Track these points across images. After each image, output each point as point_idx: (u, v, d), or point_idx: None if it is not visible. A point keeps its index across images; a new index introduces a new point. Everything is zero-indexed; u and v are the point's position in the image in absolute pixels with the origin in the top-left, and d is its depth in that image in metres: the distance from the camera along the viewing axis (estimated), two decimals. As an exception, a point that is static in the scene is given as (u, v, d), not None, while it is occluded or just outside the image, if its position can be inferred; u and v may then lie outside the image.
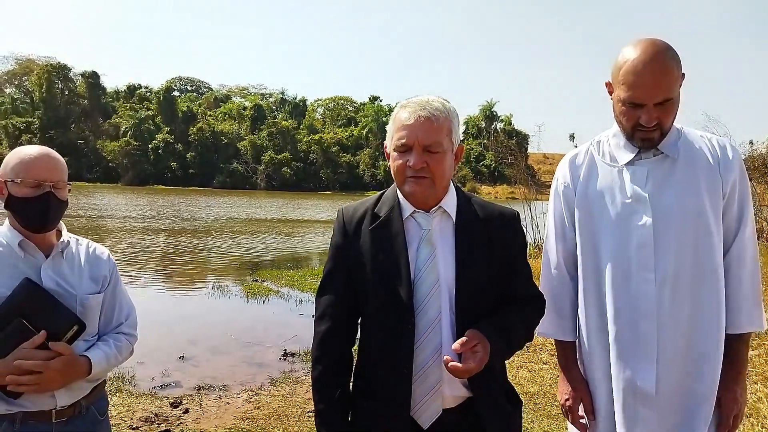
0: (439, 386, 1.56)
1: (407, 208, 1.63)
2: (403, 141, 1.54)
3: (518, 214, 1.75)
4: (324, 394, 1.66)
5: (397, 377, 1.56)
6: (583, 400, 1.83)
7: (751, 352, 5.24)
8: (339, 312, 1.67)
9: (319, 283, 1.75)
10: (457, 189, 1.69)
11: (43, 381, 1.62)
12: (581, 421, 1.84)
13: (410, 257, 1.58)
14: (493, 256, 1.62)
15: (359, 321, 1.71)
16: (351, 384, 1.73)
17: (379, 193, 1.74)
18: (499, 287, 1.64)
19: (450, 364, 1.45)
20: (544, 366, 5.27)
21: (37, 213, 1.70)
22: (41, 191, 1.69)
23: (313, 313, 1.76)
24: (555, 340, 1.93)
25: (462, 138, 1.69)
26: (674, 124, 1.71)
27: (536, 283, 1.79)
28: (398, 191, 1.66)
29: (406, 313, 1.55)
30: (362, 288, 1.63)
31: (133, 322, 1.96)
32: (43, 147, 1.77)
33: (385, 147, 1.66)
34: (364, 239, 1.64)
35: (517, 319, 1.63)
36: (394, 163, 1.59)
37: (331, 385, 1.66)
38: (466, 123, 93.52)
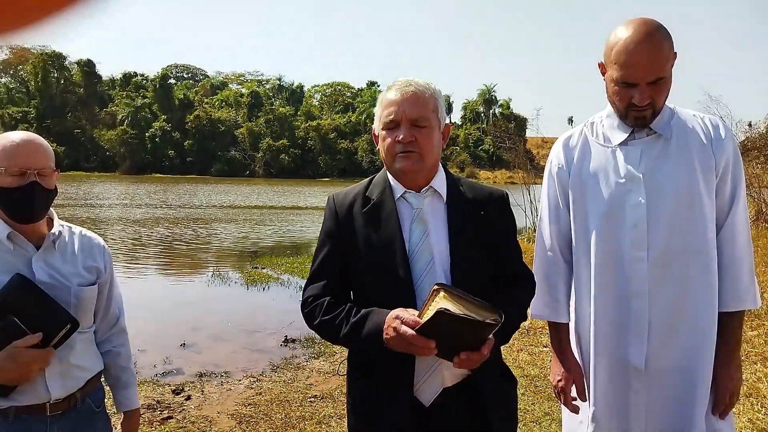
0: (439, 363, 1.57)
1: (398, 189, 1.65)
2: (391, 117, 1.57)
3: (507, 195, 1.76)
4: (333, 312, 1.59)
5: (400, 354, 1.55)
6: (576, 381, 1.85)
7: (750, 333, 5.26)
8: (330, 295, 1.64)
9: (310, 270, 1.72)
10: (446, 171, 1.71)
11: None
12: (573, 402, 1.86)
13: (404, 236, 1.60)
14: (484, 235, 1.64)
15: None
16: (348, 362, 1.73)
17: (369, 177, 1.75)
18: (491, 266, 1.65)
19: (458, 360, 1.43)
20: (545, 349, 5.29)
21: (22, 204, 1.62)
22: (25, 181, 1.60)
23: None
24: (549, 322, 1.95)
25: (452, 121, 1.72)
26: (667, 103, 1.72)
27: (529, 265, 1.79)
28: (388, 174, 1.68)
29: (406, 291, 1.56)
30: (358, 270, 1.63)
31: (123, 321, 1.97)
32: (26, 133, 1.67)
33: (374, 131, 1.68)
34: (357, 222, 1.65)
35: (510, 302, 1.64)
36: (383, 142, 1.61)
37: (336, 305, 1.61)
38: (465, 107, 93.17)
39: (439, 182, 1.66)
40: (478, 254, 1.62)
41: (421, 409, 1.59)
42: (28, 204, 1.63)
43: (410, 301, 1.56)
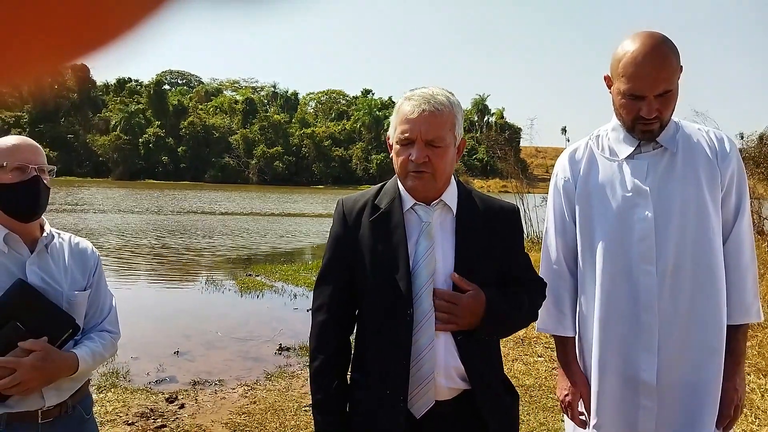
0: (432, 376, 1.56)
1: (408, 200, 1.63)
2: (406, 135, 1.53)
3: (518, 208, 1.76)
4: (322, 385, 1.66)
5: (393, 366, 1.56)
6: (583, 395, 1.83)
7: (743, 344, 5.29)
8: (337, 302, 1.66)
9: (317, 273, 1.74)
10: (458, 183, 1.69)
11: (23, 380, 1.55)
12: (581, 417, 1.84)
13: (409, 249, 1.59)
14: (493, 250, 1.63)
15: (356, 312, 1.71)
16: (348, 375, 1.73)
17: (380, 184, 1.74)
18: (497, 279, 1.65)
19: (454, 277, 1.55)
20: (539, 359, 5.29)
21: (27, 198, 1.63)
22: (28, 175, 1.62)
23: (308, 307, 1.76)
24: (554, 336, 1.93)
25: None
26: (672, 117, 1.72)
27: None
28: (399, 184, 1.65)
29: (405, 304, 1.55)
30: (361, 279, 1.63)
31: (115, 318, 1.90)
32: (20, 136, 1.70)
33: (388, 138, 1.65)
34: (364, 230, 1.63)
35: (519, 290, 1.65)
36: (396, 156, 1.58)
37: (330, 376, 1.66)
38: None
39: (450, 195, 1.63)
40: (484, 267, 1.60)
41: (416, 420, 1.57)
42: (33, 198, 1.64)
43: (408, 317, 1.55)
